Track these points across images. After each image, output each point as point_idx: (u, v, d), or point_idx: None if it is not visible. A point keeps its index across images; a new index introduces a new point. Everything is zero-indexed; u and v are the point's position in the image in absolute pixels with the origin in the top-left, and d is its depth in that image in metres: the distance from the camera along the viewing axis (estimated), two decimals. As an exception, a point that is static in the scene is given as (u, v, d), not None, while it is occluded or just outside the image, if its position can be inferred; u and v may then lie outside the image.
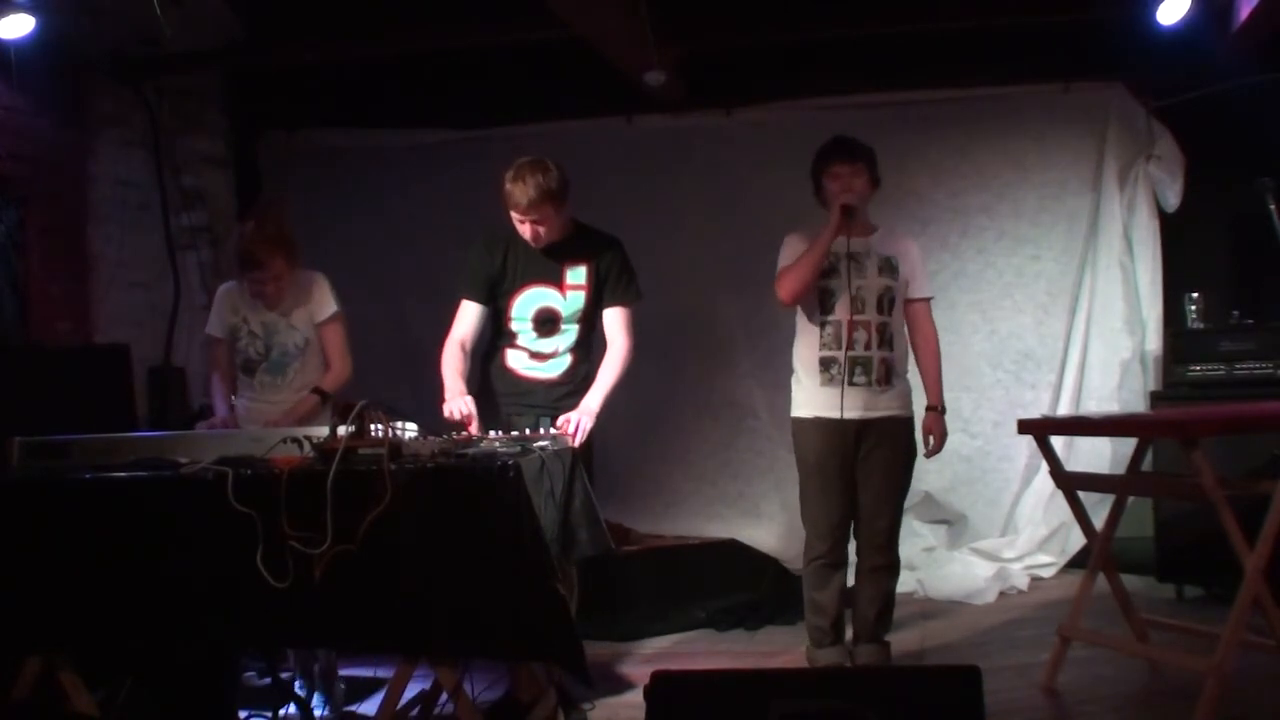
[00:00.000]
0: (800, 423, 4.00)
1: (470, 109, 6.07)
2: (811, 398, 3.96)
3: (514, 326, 3.85)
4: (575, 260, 3.81)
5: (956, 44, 5.53)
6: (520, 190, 3.63)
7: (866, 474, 3.96)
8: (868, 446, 3.94)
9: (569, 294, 3.82)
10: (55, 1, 4.59)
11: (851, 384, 3.88)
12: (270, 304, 3.97)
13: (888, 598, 4.06)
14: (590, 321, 3.88)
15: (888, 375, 3.94)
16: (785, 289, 3.90)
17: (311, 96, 6.16)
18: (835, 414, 3.89)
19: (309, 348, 4.01)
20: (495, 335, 3.92)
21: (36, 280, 4.94)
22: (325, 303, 3.99)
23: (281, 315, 3.98)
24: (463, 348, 3.81)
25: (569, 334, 3.86)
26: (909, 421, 4.03)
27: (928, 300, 4.09)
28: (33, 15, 4.46)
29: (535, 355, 3.87)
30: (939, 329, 5.80)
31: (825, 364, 3.93)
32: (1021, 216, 5.78)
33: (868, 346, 3.90)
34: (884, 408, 3.93)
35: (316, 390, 3.94)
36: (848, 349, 3.88)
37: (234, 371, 4.08)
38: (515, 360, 3.89)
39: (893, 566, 4.05)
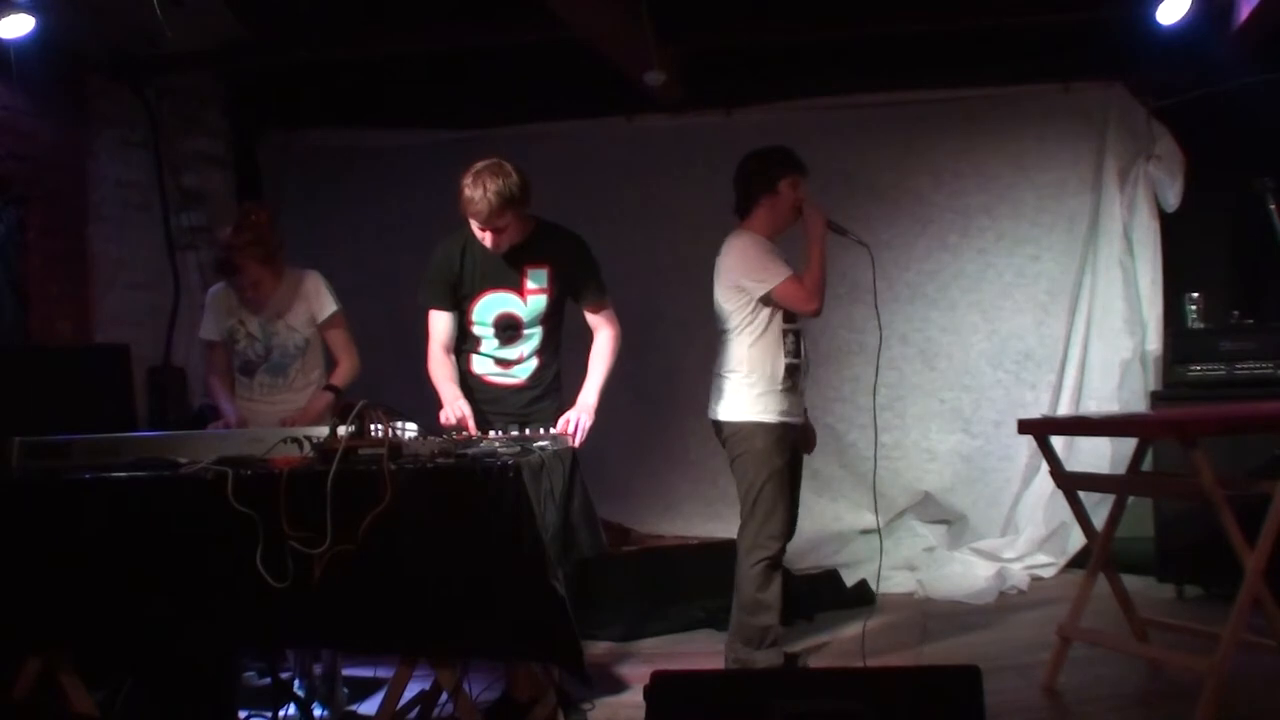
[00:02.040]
0: (764, 426, 3.98)
1: (470, 109, 6.07)
2: (777, 403, 3.98)
3: (476, 332, 3.80)
4: (535, 262, 3.72)
5: (956, 44, 5.54)
6: (480, 198, 3.50)
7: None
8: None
9: (530, 298, 3.74)
10: (55, 1, 4.59)
11: (800, 389, 4.04)
12: (254, 308, 3.94)
13: None
14: (554, 321, 3.83)
15: None
16: (820, 300, 3.93)
17: (311, 96, 6.17)
18: (794, 419, 4.02)
19: (309, 347, 4.00)
20: (460, 340, 3.87)
21: (36, 280, 4.94)
22: (325, 303, 3.98)
23: (279, 316, 3.96)
24: (447, 353, 3.78)
25: (533, 338, 3.80)
26: None
27: None
28: (33, 15, 4.46)
29: (500, 362, 3.81)
30: (940, 329, 5.87)
31: (790, 372, 3.98)
32: (1021, 216, 5.78)
33: (807, 354, 4.08)
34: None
35: (329, 387, 3.93)
36: (806, 356, 4.06)
37: (232, 373, 4.06)
38: (481, 366, 3.84)
39: None
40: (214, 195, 5.91)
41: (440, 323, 3.80)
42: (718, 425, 4.08)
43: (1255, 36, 4.83)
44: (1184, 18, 4.71)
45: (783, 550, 4.05)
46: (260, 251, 3.81)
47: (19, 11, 4.42)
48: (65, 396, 4.14)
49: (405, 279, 6.14)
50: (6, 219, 4.82)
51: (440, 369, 3.76)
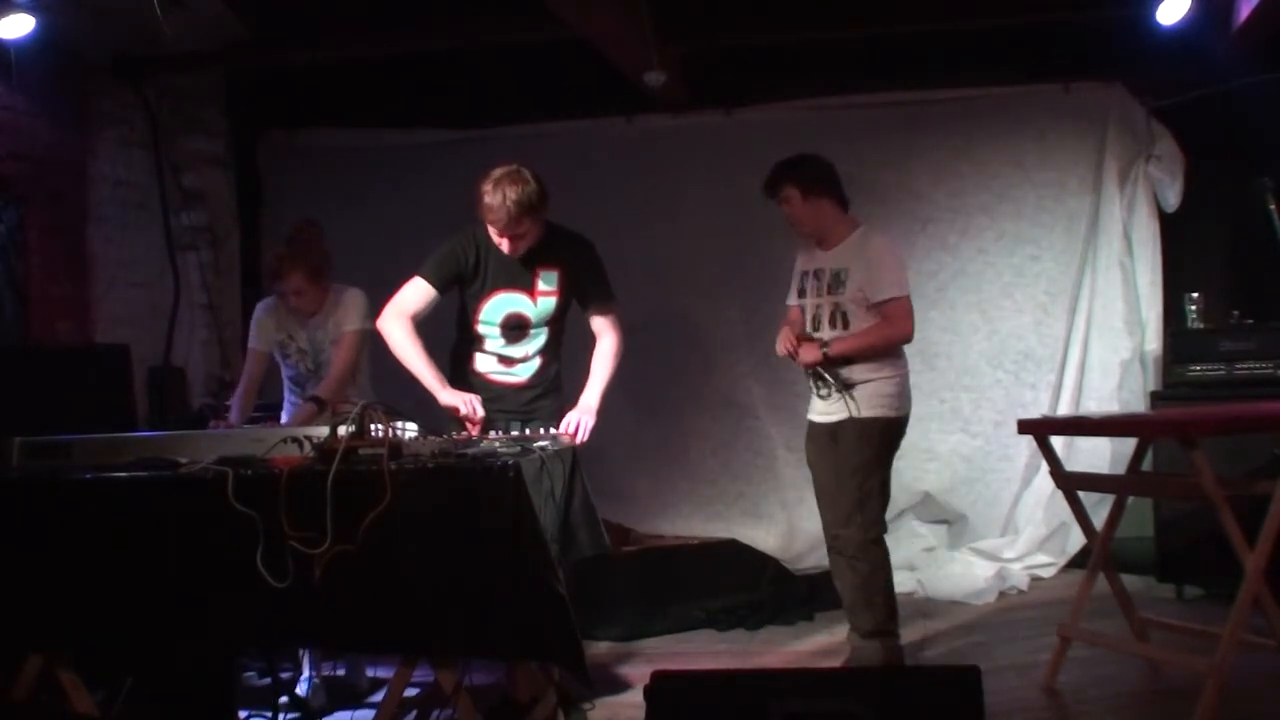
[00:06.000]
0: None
1: (470, 109, 6.07)
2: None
3: (481, 330, 3.81)
4: (547, 265, 3.75)
5: (956, 44, 5.54)
6: (499, 205, 3.54)
7: None
8: None
9: (540, 300, 3.77)
10: (55, 1, 4.59)
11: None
12: (298, 317, 4.01)
13: None
14: (559, 324, 3.85)
15: None
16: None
17: (311, 96, 6.16)
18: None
19: None
20: (462, 338, 3.88)
21: (36, 280, 4.94)
22: (349, 318, 4.00)
23: (323, 330, 4.02)
24: (413, 324, 3.74)
25: (538, 338, 3.82)
26: None
27: None
28: (33, 15, 4.46)
29: (504, 360, 3.83)
30: (940, 329, 5.87)
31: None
32: (1021, 216, 5.77)
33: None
34: None
35: (312, 398, 3.93)
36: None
37: (262, 382, 4.08)
38: (484, 364, 3.86)
39: None
40: (214, 195, 5.92)
41: (420, 293, 3.77)
42: None
43: (1255, 36, 4.84)
44: (1184, 18, 4.72)
45: None
46: (307, 263, 3.91)
47: (19, 11, 4.42)
48: (65, 396, 4.14)
49: (405, 279, 6.16)
50: (6, 219, 4.82)
51: (408, 336, 3.71)
